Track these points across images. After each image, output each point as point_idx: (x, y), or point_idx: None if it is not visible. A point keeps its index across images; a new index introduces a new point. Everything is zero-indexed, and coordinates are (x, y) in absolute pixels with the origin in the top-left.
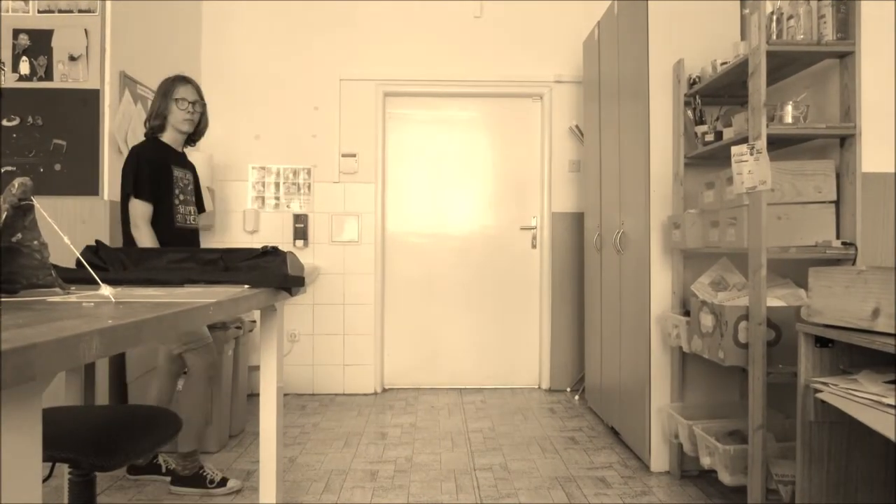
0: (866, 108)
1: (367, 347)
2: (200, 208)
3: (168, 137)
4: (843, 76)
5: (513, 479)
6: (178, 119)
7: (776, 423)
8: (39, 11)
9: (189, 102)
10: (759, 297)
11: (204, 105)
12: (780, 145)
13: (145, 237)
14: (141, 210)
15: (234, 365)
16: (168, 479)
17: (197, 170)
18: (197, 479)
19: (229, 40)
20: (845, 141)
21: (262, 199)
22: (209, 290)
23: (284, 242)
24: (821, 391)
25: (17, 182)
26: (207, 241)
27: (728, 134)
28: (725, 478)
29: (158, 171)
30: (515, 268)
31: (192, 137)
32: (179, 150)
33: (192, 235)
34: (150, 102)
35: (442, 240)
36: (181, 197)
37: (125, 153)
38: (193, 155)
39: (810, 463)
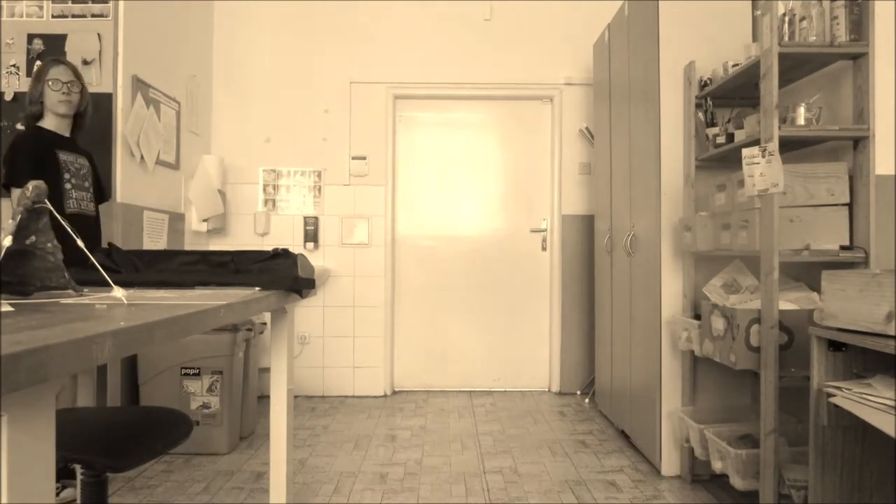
0: (880, 109)
1: (377, 350)
2: (101, 198)
3: (50, 123)
4: (856, 78)
5: (523, 483)
6: (54, 101)
7: (788, 428)
8: (53, 16)
9: (63, 83)
10: (772, 300)
11: (82, 85)
12: (793, 147)
13: None
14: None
15: (245, 367)
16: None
17: (208, 172)
18: None
19: (240, 44)
20: (858, 143)
21: (273, 201)
22: (220, 293)
23: (295, 245)
24: (834, 395)
25: (30, 185)
26: (219, 244)
27: (740, 136)
28: (737, 482)
29: (41, 157)
30: (525, 270)
31: (77, 121)
32: (66, 135)
33: (88, 223)
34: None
35: (452, 242)
36: (73, 181)
37: (138, 157)
38: (205, 158)
39: (823, 468)
